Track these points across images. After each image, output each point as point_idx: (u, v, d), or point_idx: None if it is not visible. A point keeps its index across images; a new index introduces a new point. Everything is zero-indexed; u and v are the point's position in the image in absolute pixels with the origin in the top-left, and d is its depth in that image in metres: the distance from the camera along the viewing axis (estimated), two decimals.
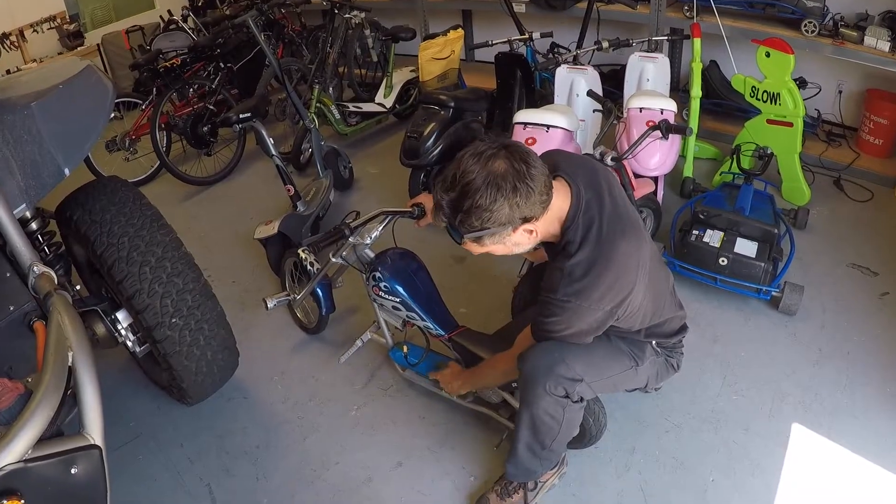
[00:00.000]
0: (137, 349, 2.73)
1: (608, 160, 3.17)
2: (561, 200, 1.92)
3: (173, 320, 2.57)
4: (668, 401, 2.91)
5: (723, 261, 3.34)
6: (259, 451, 2.89)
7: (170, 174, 5.15)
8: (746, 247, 3.36)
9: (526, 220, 1.82)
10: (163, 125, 5.23)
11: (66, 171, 2.32)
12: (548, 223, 1.93)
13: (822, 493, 2.50)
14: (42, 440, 1.37)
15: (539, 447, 2.29)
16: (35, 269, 1.93)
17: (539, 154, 1.89)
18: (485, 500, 2.50)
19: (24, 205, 2.23)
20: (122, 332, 2.67)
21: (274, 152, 3.80)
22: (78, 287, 2.69)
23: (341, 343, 3.39)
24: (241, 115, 3.72)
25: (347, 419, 3.00)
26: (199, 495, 2.72)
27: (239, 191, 5.25)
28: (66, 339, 1.58)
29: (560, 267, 1.91)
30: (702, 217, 3.50)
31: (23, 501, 1.36)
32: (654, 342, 2.33)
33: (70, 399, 1.49)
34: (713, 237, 3.42)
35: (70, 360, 1.53)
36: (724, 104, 5.12)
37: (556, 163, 2.00)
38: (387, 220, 2.68)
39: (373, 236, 2.66)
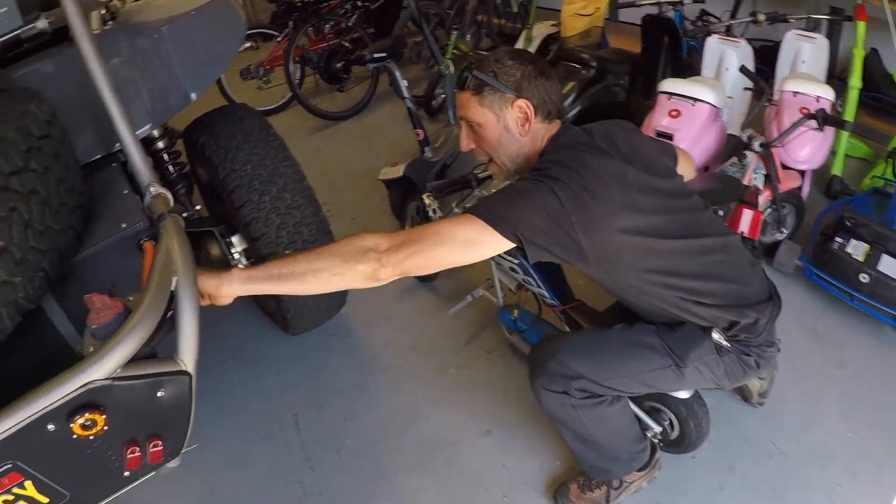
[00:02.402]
0: None
1: (756, 145, 2.95)
2: (553, 130, 1.98)
3: (287, 251, 2.57)
4: (779, 422, 2.64)
5: (864, 277, 2.98)
6: (353, 391, 2.90)
7: (301, 106, 5.22)
8: (892, 266, 2.96)
9: (528, 100, 1.87)
10: (297, 58, 5.31)
11: (193, 96, 2.35)
12: (534, 139, 1.97)
13: None
14: (134, 360, 1.36)
15: (581, 443, 2.15)
16: (152, 189, 1.92)
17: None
18: (565, 488, 2.39)
19: (149, 125, 2.28)
20: (237, 255, 2.70)
21: (406, 95, 3.73)
22: (198, 207, 2.73)
23: (450, 296, 3.34)
24: (375, 55, 3.68)
25: (446, 376, 2.95)
26: (285, 423, 2.76)
27: (367, 129, 5.25)
28: (172, 262, 1.57)
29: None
30: (849, 224, 3.12)
31: (105, 416, 1.36)
32: (716, 334, 1.97)
33: (168, 323, 1.47)
34: (857, 249, 3.05)
35: (174, 284, 1.51)
36: (884, 99, 4.62)
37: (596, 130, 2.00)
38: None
39: None
